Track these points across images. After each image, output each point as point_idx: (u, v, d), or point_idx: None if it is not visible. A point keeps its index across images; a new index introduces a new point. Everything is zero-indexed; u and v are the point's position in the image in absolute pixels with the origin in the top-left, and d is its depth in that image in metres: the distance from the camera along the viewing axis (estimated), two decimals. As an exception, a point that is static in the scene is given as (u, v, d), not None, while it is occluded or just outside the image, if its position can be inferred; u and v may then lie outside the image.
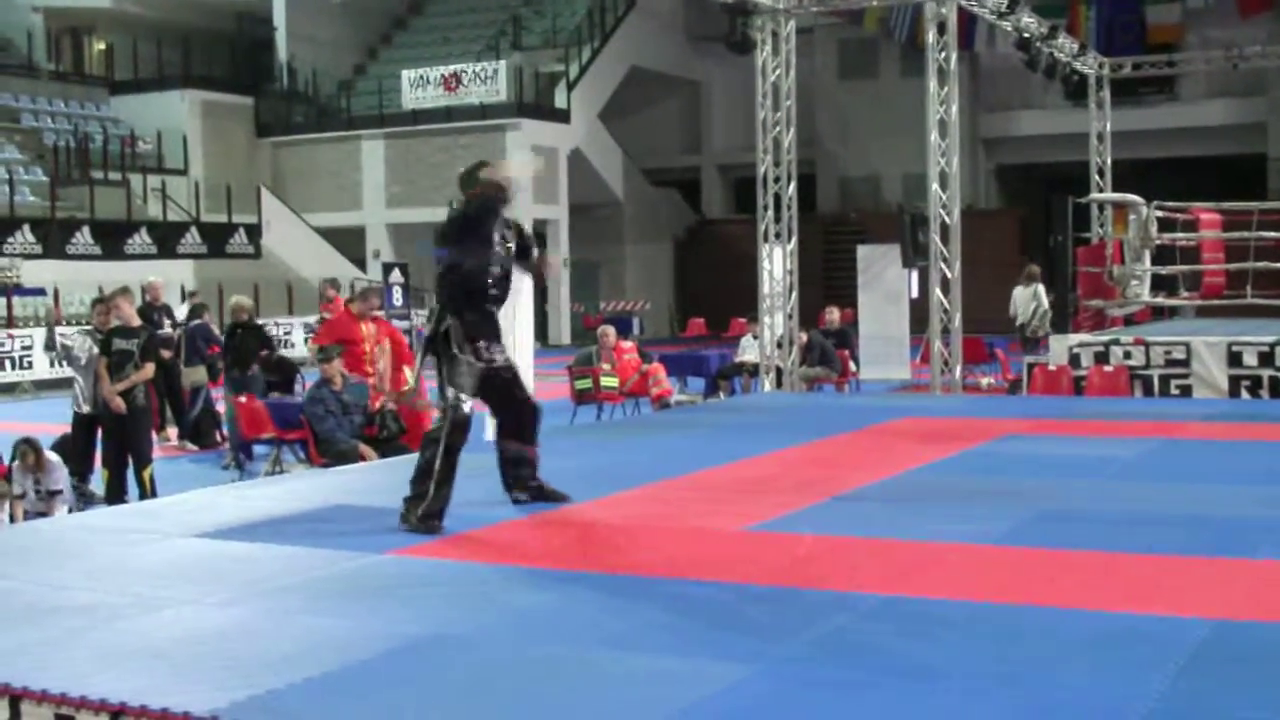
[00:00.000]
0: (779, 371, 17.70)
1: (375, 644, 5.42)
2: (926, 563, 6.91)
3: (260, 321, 17.26)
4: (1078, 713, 4.57)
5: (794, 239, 17.77)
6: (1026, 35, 21.10)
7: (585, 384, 16.32)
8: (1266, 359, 15.09)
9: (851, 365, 19.50)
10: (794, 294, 17.77)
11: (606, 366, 16.63)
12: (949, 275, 16.56)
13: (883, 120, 38.98)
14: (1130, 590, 6.22)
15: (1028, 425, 12.34)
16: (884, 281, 21.18)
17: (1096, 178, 24.03)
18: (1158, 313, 20.61)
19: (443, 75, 35.49)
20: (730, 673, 5.04)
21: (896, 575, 6.62)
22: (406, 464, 10.57)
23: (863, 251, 21.97)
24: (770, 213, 17.59)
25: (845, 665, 5.16)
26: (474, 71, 35.44)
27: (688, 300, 41.45)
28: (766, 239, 17.67)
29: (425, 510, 7.77)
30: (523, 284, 13.42)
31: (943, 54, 16.79)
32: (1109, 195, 21.58)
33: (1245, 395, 15.10)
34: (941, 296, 16.61)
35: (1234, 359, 15.23)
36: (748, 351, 19.29)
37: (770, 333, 17.90)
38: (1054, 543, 7.27)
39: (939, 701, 4.71)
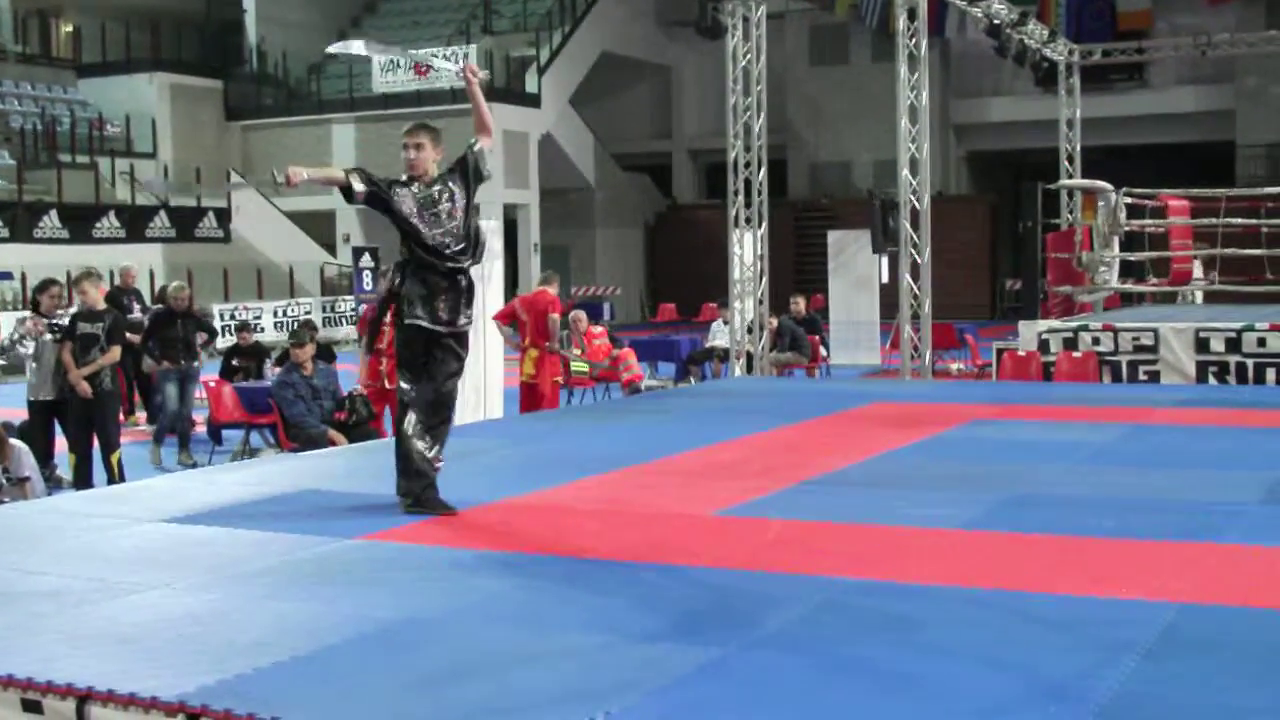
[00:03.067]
0: (749, 357, 17.71)
1: (344, 628, 5.41)
2: (896, 547, 6.92)
3: (230, 306, 17.15)
4: (1045, 695, 4.58)
5: (764, 224, 17.78)
6: (996, 22, 21.14)
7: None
8: (1233, 345, 15.17)
9: (822, 350, 19.54)
10: (764, 279, 17.78)
11: (577, 351, 16.63)
12: (919, 261, 16.59)
13: (854, 106, 39.06)
14: (1098, 574, 6.25)
15: (997, 410, 12.38)
16: (854, 267, 21.27)
17: (1066, 164, 24.10)
18: (1127, 298, 20.70)
19: (413, 59, 35.37)
20: (699, 657, 5.04)
21: (866, 560, 6.64)
22: (376, 449, 10.58)
23: (833, 237, 22.05)
24: (740, 198, 17.59)
25: (814, 650, 5.16)
26: (445, 56, 35.35)
27: (659, 285, 41.49)
28: (737, 224, 17.67)
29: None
30: (491, 269, 13.43)
31: (913, 40, 16.81)
32: (1078, 182, 21.64)
33: (1212, 381, 15.18)
34: (911, 282, 16.64)
35: (1201, 345, 15.31)
36: (718, 337, 19.32)
37: (741, 318, 17.91)
38: (1022, 527, 7.31)
39: (907, 685, 4.72)
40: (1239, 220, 18.54)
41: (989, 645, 5.15)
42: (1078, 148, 24.30)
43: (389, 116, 34.74)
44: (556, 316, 14.06)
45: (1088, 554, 6.67)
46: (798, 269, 35.26)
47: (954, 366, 19.86)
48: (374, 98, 35.50)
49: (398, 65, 35.01)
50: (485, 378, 13.60)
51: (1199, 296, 20.98)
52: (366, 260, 26.35)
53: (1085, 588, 5.97)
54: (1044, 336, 15.99)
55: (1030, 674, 4.81)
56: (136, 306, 16.95)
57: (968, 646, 5.14)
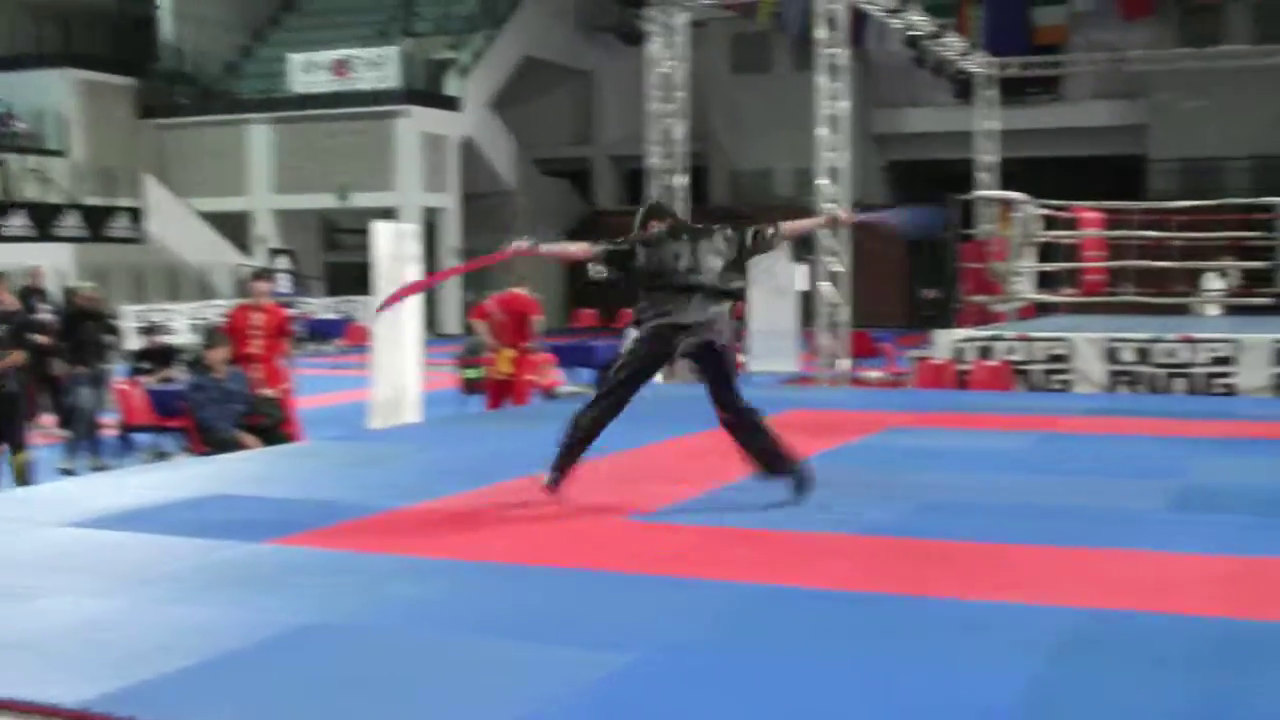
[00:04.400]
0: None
1: (250, 634, 5.35)
2: (808, 553, 6.95)
3: (142, 307, 16.91)
4: (949, 700, 4.62)
5: (684, 231, 17.73)
6: (915, 34, 21.31)
7: (474, 373, 16.23)
8: (1143, 355, 15.38)
9: (740, 357, 19.56)
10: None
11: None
12: (837, 269, 16.67)
13: (775, 114, 39.20)
14: (1006, 580, 6.31)
15: (912, 419, 12.47)
16: (773, 275, 21.30)
17: (982, 175, 24.33)
18: (1042, 309, 20.91)
19: (332, 60, 35.18)
20: (609, 661, 5.03)
21: (777, 566, 6.65)
22: (287, 453, 10.49)
23: (751, 244, 22.05)
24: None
25: (722, 655, 5.17)
26: (364, 57, 35.15)
27: (579, 291, 41.43)
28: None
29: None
30: (410, 272, 13.36)
31: (833, 50, 16.89)
32: (993, 193, 21.85)
33: (1123, 390, 15.38)
34: (830, 290, 16.72)
35: (1112, 355, 15.50)
36: (636, 342, 19.28)
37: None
38: (934, 534, 7.35)
39: (812, 690, 4.74)
40: (1150, 233, 18.80)
41: (894, 651, 5.18)
42: (995, 159, 24.54)
43: (307, 117, 34.52)
44: (537, 318, 14.95)
45: (996, 560, 6.73)
46: (718, 276, 35.28)
47: (872, 374, 19.96)
48: (292, 98, 35.22)
49: (316, 65, 34.75)
50: (405, 381, 13.52)
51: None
52: (283, 262, 26.10)
53: (993, 593, 6.03)
54: (959, 345, 16.13)
55: (935, 680, 4.83)
56: (47, 307, 16.68)
57: (876, 651, 5.17)
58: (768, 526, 7.58)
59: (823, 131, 16.75)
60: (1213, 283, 24.08)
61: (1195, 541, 7.10)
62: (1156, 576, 6.43)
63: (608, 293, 36.20)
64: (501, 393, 14.97)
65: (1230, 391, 15.17)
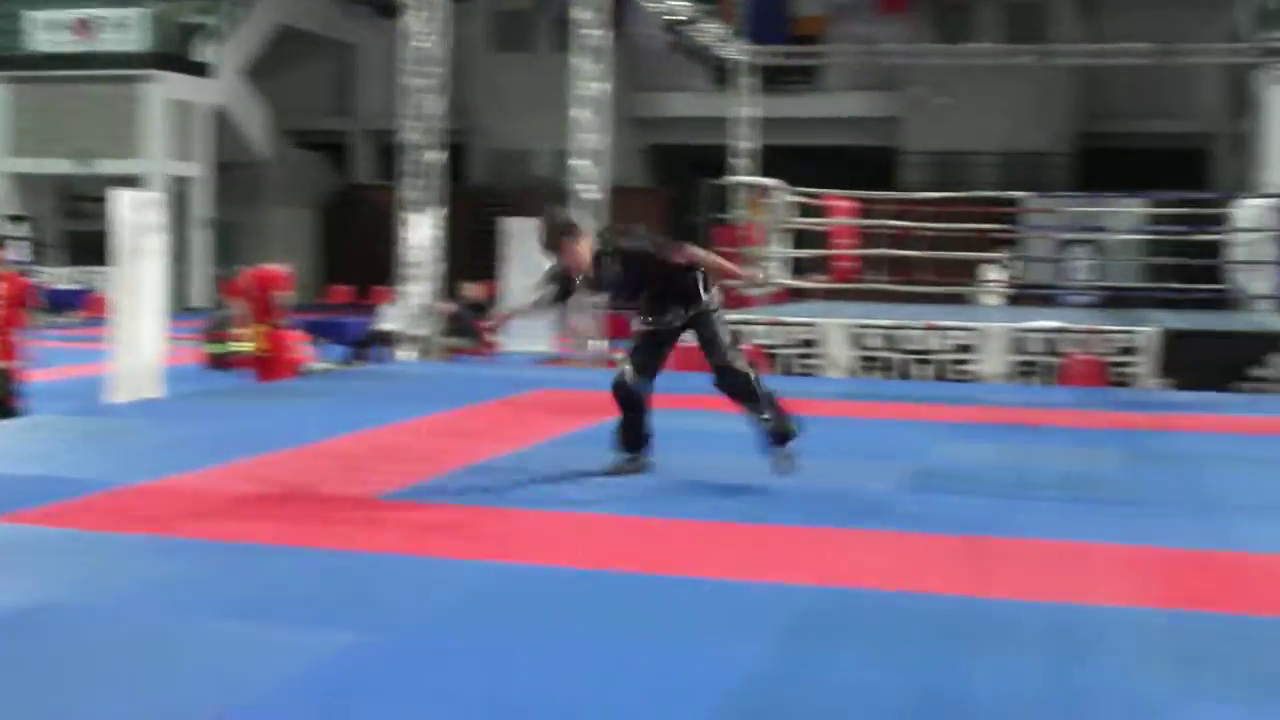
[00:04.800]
0: (419, 341, 17.54)
1: (-34, 614, 5.10)
2: (548, 531, 6.95)
3: None
4: (681, 678, 4.66)
5: (439, 208, 17.61)
6: (675, 19, 21.46)
7: (220, 348, 15.85)
8: (889, 341, 15.77)
9: (494, 337, 19.48)
10: (438, 264, 17.61)
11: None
12: (592, 250, 16.67)
13: (536, 94, 39.06)
14: (740, 558, 6.39)
15: (661, 400, 12.50)
16: (529, 255, 21.21)
17: (739, 161, 24.65)
18: (795, 294, 21.27)
19: (74, 19, 33.85)
20: (345, 641, 4.97)
21: (519, 544, 6.64)
22: (15, 427, 10.06)
23: (508, 224, 22.00)
24: (415, 181, 17.38)
25: (459, 634, 5.15)
26: (109, 17, 33.92)
27: (333, 266, 40.75)
28: (410, 207, 17.46)
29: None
30: (154, 243, 12.93)
31: (593, 31, 16.89)
32: (747, 178, 22.16)
33: (869, 376, 15.75)
34: (584, 271, 16.71)
35: (859, 341, 15.86)
36: (389, 320, 19.07)
37: (412, 302, 17.71)
38: (671, 513, 7.43)
39: (545, 669, 4.75)
40: (897, 223, 19.28)
41: (625, 629, 5.22)
42: (752, 145, 24.88)
43: (47, 78, 33.17)
44: (284, 294, 14.76)
45: (732, 539, 6.82)
46: (476, 255, 35.07)
47: (625, 356, 20.04)
48: (31, 57, 33.77)
49: (57, 24, 33.37)
50: (146, 355, 13.09)
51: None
52: (17, 229, 25.06)
53: (729, 571, 6.10)
54: (710, 327, 16.27)
55: (669, 657, 4.87)
56: None
57: (611, 630, 5.20)
58: (513, 506, 7.54)
59: (581, 113, 16.74)
60: (991, 274, 24.90)
61: (931, 522, 7.30)
62: (892, 556, 6.58)
63: (362, 269, 35.75)
64: (254, 368, 14.89)
65: (970, 378, 15.66)
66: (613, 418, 11.18)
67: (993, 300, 23.10)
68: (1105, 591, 5.92)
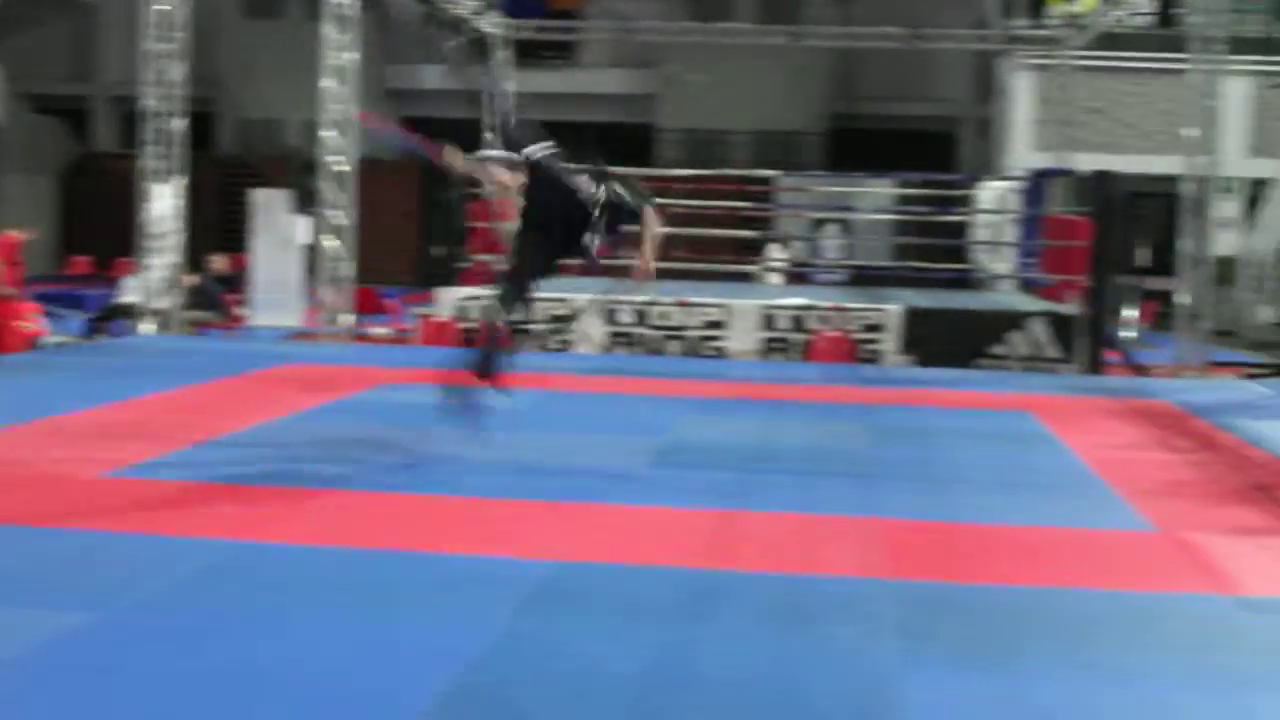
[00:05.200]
0: (161, 314, 17.01)
1: None
2: (287, 508, 6.81)
3: None
4: (418, 653, 4.63)
5: (183, 178, 17.08)
6: (429, -11, 21.21)
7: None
8: (641, 318, 15.86)
9: (242, 310, 19.08)
10: (182, 235, 17.09)
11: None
12: (342, 223, 16.40)
13: (288, 63, 38.14)
14: (488, 534, 6.37)
15: (409, 375, 12.38)
16: (278, 227, 20.84)
17: (491, 135, 24.50)
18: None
19: None
20: (69, 622, 4.82)
21: (255, 520, 6.52)
22: None
23: (257, 196, 21.56)
24: (157, 149, 16.83)
25: (190, 613, 5.03)
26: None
27: (73, 236, 39.30)
28: (152, 177, 16.90)
29: None
30: None
31: (341, 0, 16.56)
32: (498, 153, 22.03)
33: (620, 351, 15.82)
34: (333, 244, 16.43)
35: (611, 317, 15.91)
36: (130, 292, 18.47)
37: (154, 274, 17.17)
38: (416, 488, 7.36)
39: (277, 647, 4.67)
40: (663, 200, 19.38)
41: (364, 604, 5.17)
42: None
43: None
44: (13, 263, 14.38)
45: (474, 514, 6.80)
46: (224, 226, 34.19)
47: (377, 331, 19.79)
48: None
49: None
50: None
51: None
52: None
53: (474, 547, 6.08)
54: (462, 304, 16.18)
55: (405, 633, 4.85)
56: None
57: (344, 607, 5.15)
58: (253, 483, 7.37)
59: (329, 83, 16.43)
60: (775, 252, 25.19)
61: (674, 496, 7.37)
62: (634, 529, 6.63)
63: (103, 240, 34.60)
64: None
65: (721, 354, 15.84)
66: (356, 393, 11.06)
67: (776, 279, 23.47)
68: (838, 563, 6.04)
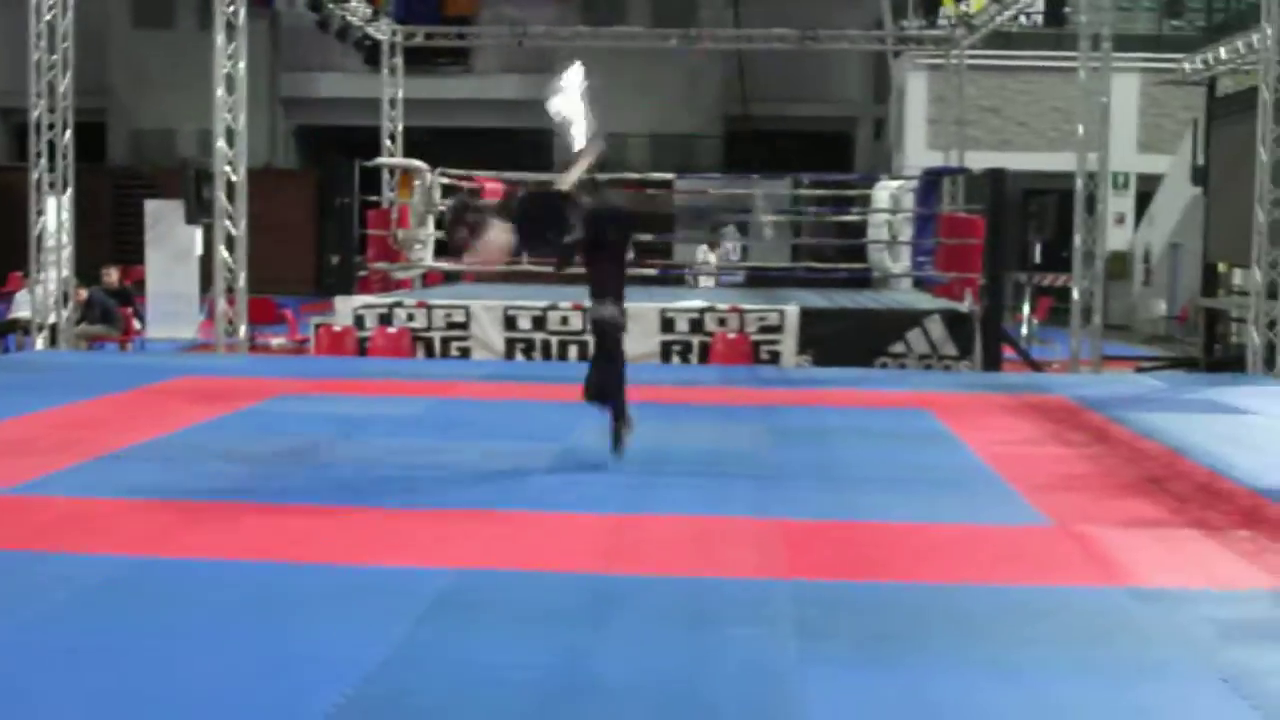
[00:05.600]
0: (54, 329, 16.74)
1: None
2: (178, 523, 6.70)
3: None
4: (315, 665, 4.59)
5: (70, 190, 16.80)
6: (320, -5, 21.04)
7: None
8: (539, 323, 15.83)
9: (136, 323, 18.83)
10: (72, 248, 16.81)
11: None
12: (235, 233, 16.23)
13: (179, 72, 37.77)
14: (380, 543, 6.31)
15: (307, 385, 12.29)
16: (173, 238, 20.62)
17: (389, 143, 24.37)
18: (450, 277, 21.11)
19: None
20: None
21: (151, 534, 6.42)
22: None
23: (150, 207, 21.32)
24: (45, 161, 16.56)
25: (78, 632, 4.94)
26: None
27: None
28: (41, 189, 16.63)
29: None
30: None
31: (231, 8, 16.38)
32: (394, 160, 21.92)
33: (520, 357, 15.77)
34: (227, 255, 16.25)
35: (509, 323, 15.87)
36: (22, 307, 18.17)
37: (45, 288, 16.89)
38: (316, 498, 7.29)
39: (171, 664, 4.61)
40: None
41: (260, 618, 5.12)
42: (399, 127, 24.60)
43: None
44: None
45: (374, 524, 6.73)
46: (118, 238, 33.75)
47: (274, 342, 19.62)
48: None
49: None
50: None
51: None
52: None
53: (368, 557, 6.03)
54: (359, 312, 16.08)
55: (303, 644, 4.80)
56: None
57: (239, 621, 5.08)
58: (143, 497, 7.26)
59: (219, 92, 16.23)
60: (704, 255, 25.24)
61: (574, 501, 7.35)
62: (533, 536, 6.60)
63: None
64: None
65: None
66: (252, 404, 10.94)
67: (706, 282, 23.55)
68: (737, 565, 6.05)
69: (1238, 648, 4.97)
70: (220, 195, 16.15)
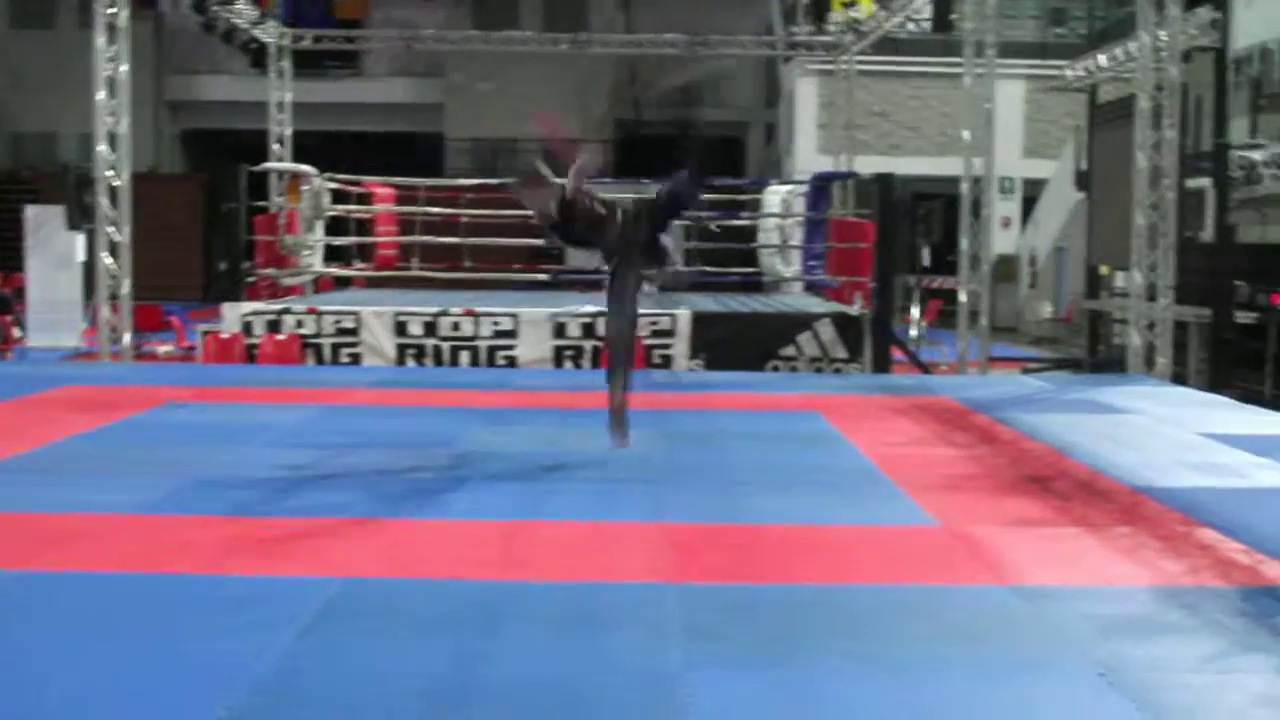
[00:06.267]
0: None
1: None
2: (70, 534, 6.58)
3: None
4: (202, 676, 4.54)
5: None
6: (205, -1, 20.78)
7: None
8: (430, 328, 15.74)
9: (15, 332, 18.48)
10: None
11: None
12: (118, 240, 15.96)
13: (60, 74, 37.12)
14: (263, 553, 6.27)
15: (194, 393, 12.12)
16: (54, 245, 20.25)
17: (276, 147, 24.10)
18: (340, 283, 20.94)
19: None
20: None
21: (33, 548, 6.27)
22: None
23: (31, 212, 20.92)
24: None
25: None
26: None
27: None
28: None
29: None
30: None
31: (113, 10, 16.11)
32: (281, 165, 21.69)
33: (411, 363, 15.67)
34: (111, 261, 15.98)
35: (400, 328, 15.76)
36: (-102, 316, 17.78)
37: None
38: (201, 509, 7.18)
39: (55, 676, 4.54)
40: (439, 209, 19.28)
41: (145, 629, 5.05)
42: (288, 131, 24.36)
43: None
44: None
45: (262, 533, 6.65)
46: (-3, 244, 33.16)
47: (161, 349, 19.33)
48: None
49: None
50: None
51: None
52: None
53: (255, 567, 5.96)
54: (247, 319, 15.88)
55: (188, 655, 4.75)
56: None
57: (124, 633, 5.02)
58: (25, 509, 7.14)
59: (101, 95, 15.97)
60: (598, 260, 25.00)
61: (464, 508, 7.32)
62: (424, 543, 6.57)
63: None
64: None
65: (512, 364, 15.78)
66: (137, 413, 10.77)
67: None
68: (627, 570, 6.06)
69: (1115, 642, 5.06)
70: (103, 200, 15.87)
